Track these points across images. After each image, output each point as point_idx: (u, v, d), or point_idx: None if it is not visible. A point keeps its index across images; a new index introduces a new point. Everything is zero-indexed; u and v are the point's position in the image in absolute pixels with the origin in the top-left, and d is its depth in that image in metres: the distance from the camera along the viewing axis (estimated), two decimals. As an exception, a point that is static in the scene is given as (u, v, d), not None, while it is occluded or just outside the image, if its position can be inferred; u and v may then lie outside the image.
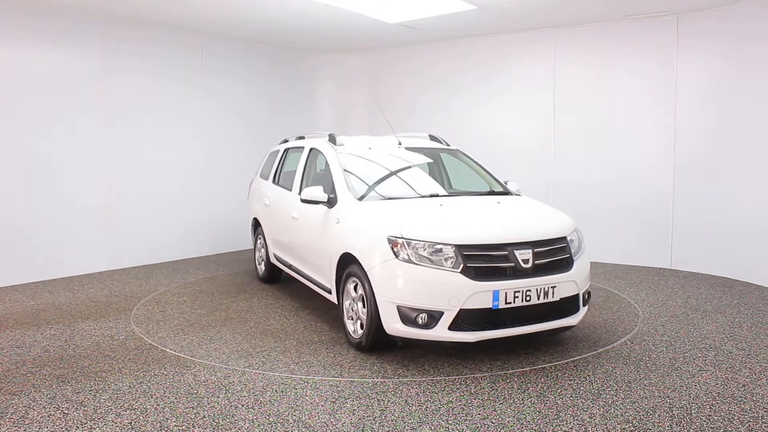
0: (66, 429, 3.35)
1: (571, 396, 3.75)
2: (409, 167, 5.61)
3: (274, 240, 6.54)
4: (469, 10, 7.22)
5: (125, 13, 7.48)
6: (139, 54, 7.94)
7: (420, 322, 4.10)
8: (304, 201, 5.22)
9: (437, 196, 5.10)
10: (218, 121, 8.97)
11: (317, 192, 5.12)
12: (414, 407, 3.60)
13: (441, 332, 4.08)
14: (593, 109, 8.11)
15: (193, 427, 3.36)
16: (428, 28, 8.28)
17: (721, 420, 3.41)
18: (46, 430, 3.34)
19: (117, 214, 7.79)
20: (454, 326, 4.06)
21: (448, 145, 6.06)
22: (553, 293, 4.25)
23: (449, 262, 4.10)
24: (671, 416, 3.46)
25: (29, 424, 3.41)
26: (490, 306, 4.06)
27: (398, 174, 5.45)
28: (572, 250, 4.50)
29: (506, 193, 5.44)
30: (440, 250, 4.13)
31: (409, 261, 4.15)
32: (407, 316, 4.12)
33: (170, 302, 6.21)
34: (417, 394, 3.79)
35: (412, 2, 6.97)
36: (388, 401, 3.68)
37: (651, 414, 3.49)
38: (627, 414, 3.49)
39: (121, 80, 7.75)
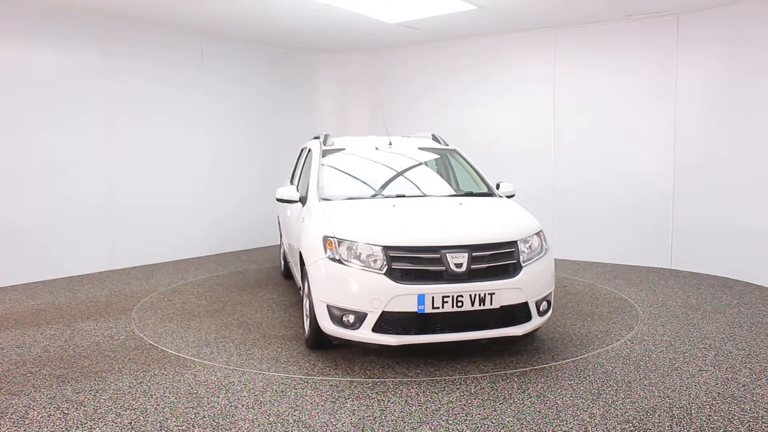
0: (66, 429, 3.35)
1: (571, 396, 3.75)
2: (391, 168, 5.54)
3: (284, 238, 6.74)
4: (469, 10, 7.22)
5: (125, 13, 7.48)
6: (139, 54, 7.94)
7: (346, 322, 4.08)
8: (278, 200, 5.28)
9: (404, 196, 5.01)
10: (219, 121, 8.97)
11: (290, 191, 5.19)
12: (414, 407, 3.60)
13: (365, 334, 4.04)
14: (593, 109, 8.11)
15: (193, 427, 3.36)
16: (428, 28, 8.28)
17: (721, 420, 3.41)
18: (46, 430, 3.34)
19: (117, 213, 7.79)
20: (377, 328, 4.00)
21: (446, 145, 6.04)
22: (491, 300, 4.03)
23: (377, 263, 4.05)
24: (671, 416, 3.46)
25: (29, 424, 3.41)
26: (415, 310, 3.95)
27: (374, 175, 5.43)
28: (521, 256, 4.24)
29: (489, 194, 5.28)
30: (368, 251, 4.09)
31: (339, 261, 4.14)
32: (335, 316, 4.12)
33: (185, 291, 6.47)
34: (417, 394, 3.79)
35: (412, 2, 6.97)
36: (388, 401, 3.68)
37: (651, 414, 3.49)
38: (627, 414, 3.49)
39: (121, 80, 7.75)
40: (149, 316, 5.65)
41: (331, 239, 4.23)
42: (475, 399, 3.71)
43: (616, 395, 3.75)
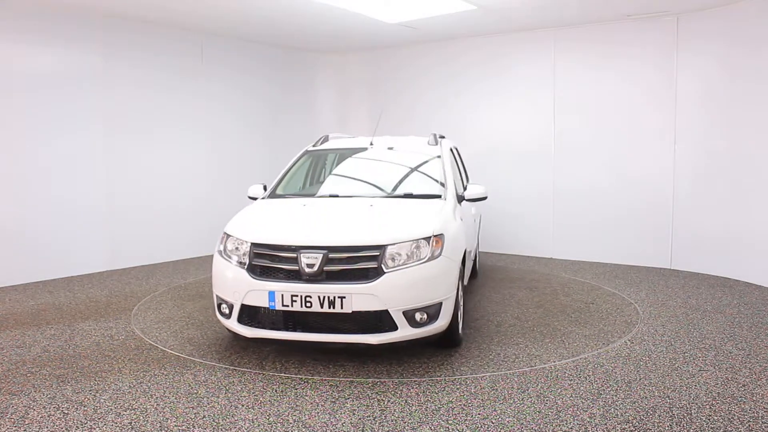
0: (66, 429, 3.35)
1: (571, 396, 3.75)
2: (352, 168, 5.65)
3: None
4: (469, 10, 7.22)
5: (125, 14, 7.47)
6: (139, 55, 7.94)
7: (223, 311, 4.40)
8: (248, 197, 5.52)
9: (336, 196, 5.15)
10: (218, 121, 8.97)
11: (256, 189, 5.48)
12: (414, 407, 3.60)
13: (232, 323, 4.31)
14: (593, 110, 8.11)
15: (193, 427, 3.36)
16: (428, 28, 8.28)
17: (721, 420, 3.41)
18: (46, 430, 3.34)
19: (117, 213, 7.79)
20: (240, 319, 4.26)
21: (436, 145, 5.91)
22: (341, 304, 3.98)
23: (245, 258, 4.28)
24: (671, 416, 3.46)
25: (29, 424, 3.41)
26: (267, 305, 4.11)
27: (328, 174, 5.71)
28: (387, 262, 4.05)
29: (437, 196, 5.02)
30: (242, 247, 4.34)
31: (222, 255, 4.46)
32: (217, 306, 4.48)
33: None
34: (417, 394, 3.79)
35: (412, 2, 6.96)
36: (388, 401, 3.68)
37: (651, 414, 3.49)
38: (627, 414, 3.49)
39: (121, 80, 7.75)
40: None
41: (225, 234, 4.57)
42: (475, 399, 3.71)
43: (616, 395, 3.75)
